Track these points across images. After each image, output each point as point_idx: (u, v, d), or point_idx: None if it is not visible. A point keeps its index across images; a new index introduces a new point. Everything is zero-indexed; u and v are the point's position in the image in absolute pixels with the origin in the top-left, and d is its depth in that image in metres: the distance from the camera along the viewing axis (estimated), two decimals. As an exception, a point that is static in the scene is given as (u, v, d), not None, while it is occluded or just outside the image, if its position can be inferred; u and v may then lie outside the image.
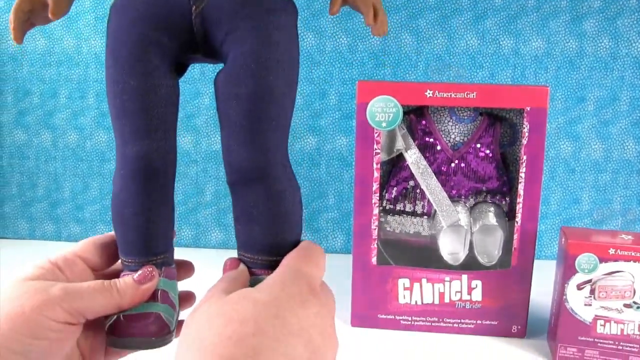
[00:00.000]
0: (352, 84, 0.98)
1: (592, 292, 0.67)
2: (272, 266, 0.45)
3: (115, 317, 0.45)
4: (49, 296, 0.42)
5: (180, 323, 0.53)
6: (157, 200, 0.47)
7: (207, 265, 0.94)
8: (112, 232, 0.50)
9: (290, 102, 0.47)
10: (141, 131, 0.45)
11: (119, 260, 0.50)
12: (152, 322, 0.46)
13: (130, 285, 0.45)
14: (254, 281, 0.45)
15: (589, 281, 0.66)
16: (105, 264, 0.50)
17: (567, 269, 0.67)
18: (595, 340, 0.67)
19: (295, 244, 0.47)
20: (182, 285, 0.52)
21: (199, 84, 0.99)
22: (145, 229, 0.47)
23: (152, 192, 0.46)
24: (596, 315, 0.67)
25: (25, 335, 0.40)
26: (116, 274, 0.51)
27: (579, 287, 0.67)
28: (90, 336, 0.47)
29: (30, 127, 1.05)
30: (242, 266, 0.47)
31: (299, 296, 0.39)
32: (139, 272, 0.46)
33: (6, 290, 0.43)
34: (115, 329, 0.45)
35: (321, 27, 0.97)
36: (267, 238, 0.46)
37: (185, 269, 0.53)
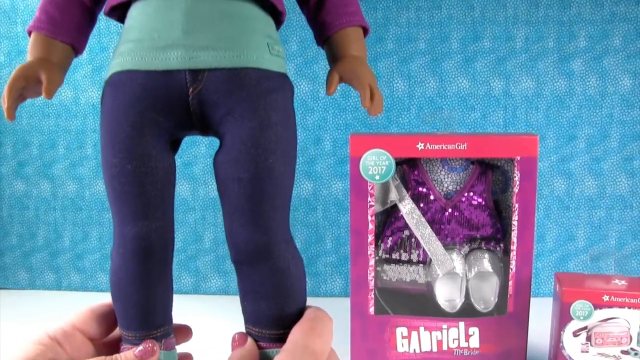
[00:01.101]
0: (346, 130, 0.99)
1: (589, 338, 0.67)
2: (280, 339, 0.46)
3: None
4: None
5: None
6: (156, 278, 0.48)
7: (207, 311, 0.96)
8: (110, 302, 0.51)
9: (290, 180, 0.48)
10: (139, 213, 0.46)
11: (118, 328, 0.51)
12: None
13: None
14: (262, 355, 0.46)
15: (585, 328, 0.67)
16: (104, 334, 0.51)
17: (562, 316, 0.68)
18: (593, 387, 0.68)
19: (301, 313, 0.48)
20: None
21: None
22: (145, 305, 0.47)
23: (151, 271, 0.47)
24: (593, 362, 0.68)
25: None
26: (115, 342, 0.51)
27: (575, 334, 0.68)
28: None
29: (30, 178, 1.06)
30: (249, 342, 0.48)
31: None
32: (140, 347, 0.47)
33: None
34: None
35: (315, 74, 0.99)
36: (273, 313, 0.47)
37: (184, 333, 0.54)
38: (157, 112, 0.46)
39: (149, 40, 0.46)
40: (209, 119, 0.47)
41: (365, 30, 0.55)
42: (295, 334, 0.45)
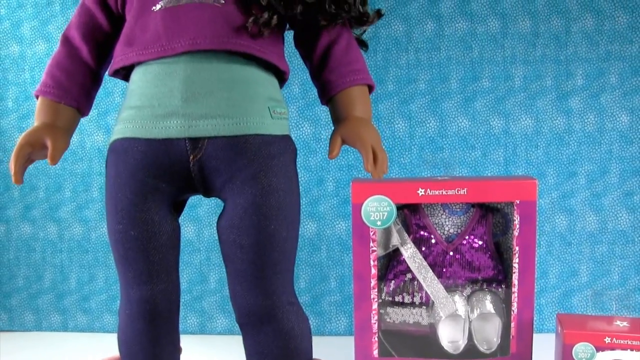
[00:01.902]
0: (349, 171, 1.00)
1: (592, 380, 0.68)
2: None
3: None
4: None
5: None
6: (162, 337, 0.48)
7: (213, 351, 0.96)
8: (118, 355, 0.51)
9: (293, 243, 0.48)
10: (144, 276, 0.47)
11: None
12: None
13: None
14: None
15: (588, 370, 0.67)
16: None
17: (565, 358, 0.68)
18: None
19: None
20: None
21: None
22: None
23: (157, 331, 0.48)
24: (597, 405, 0.68)
25: None
26: None
27: (578, 375, 0.68)
28: None
29: (37, 221, 1.07)
30: None
31: None
32: None
33: None
34: None
35: (316, 116, 1.00)
36: None
37: None
38: (159, 179, 0.47)
39: (149, 108, 0.46)
40: (211, 184, 0.48)
41: (371, 88, 0.55)
42: None
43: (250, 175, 0.46)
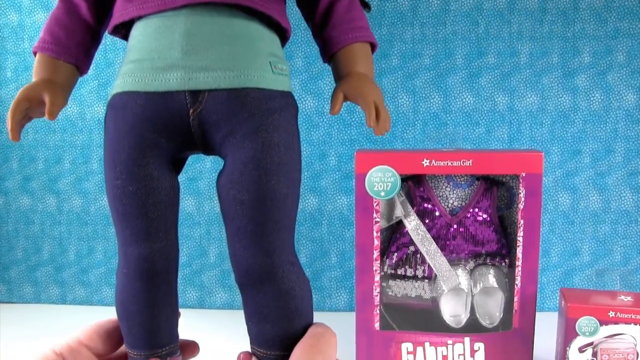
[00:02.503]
0: (351, 145, 1.00)
1: (595, 354, 0.67)
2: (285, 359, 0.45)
3: None
4: None
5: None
6: (160, 298, 0.48)
7: (212, 326, 0.95)
8: (116, 318, 0.51)
9: (293, 201, 0.47)
10: (142, 234, 0.46)
11: (124, 344, 0.51)
12: None
13: None
14: None
15: (591, 344, 0.67)
16: (111, 350, 0.51)
17: (568, 332, 0.67)
18: (600, 404, 0.67)
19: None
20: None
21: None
22: (150, 325, 0.48)
23: (155, 291, 0.47)
24: (599, 379, 0.67)
25: None
26: (121, 358, 0.51)
27: (581, 350, 0.67)
28: None
29: (35, 193, 1.07)
30: None
31: None
32: None
33: None
34: None
35: (319, 89, 0.99)
36: (278, 334, 0.47)
37: (190, 349, 0.54)
38: (158, 134, 0.46)
39: (149, 61, 0.45)
40: (211, 139, 0.47)
41: (373, 46, 0.55)
42: (296, 352, 0.45)
43: (250, 130, 0.45)
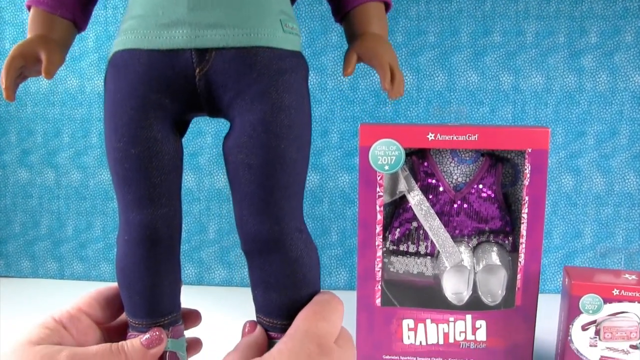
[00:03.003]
0: (354, 122, 0.98)
1: (597, 332, 0.67)
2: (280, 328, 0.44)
3: None
4: None
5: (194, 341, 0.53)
6: (162, 265, 0.46)
7: (210, 303, 0.95)
8: (116, 285, 0.50)
9: (303, 167, 0.45)
10: (144, 199, 0.44)
11: (125, 312, 0.50)
12: None
13: (138, 350, 0.45)
14: (272, 345, 0.45)
15: (594, 322, 0.66)
16: (111, 318, 0.50)
17: (571, 310, 0.67)
18: (602, 382, 0.67)
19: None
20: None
21: (201, 123, 1.00)
22: (151, 293, 0.46)
23: (157, 258, 0.46)
24: (602, 357, 0.67)
25: None
26: (123, 327, 0.50)
27: (584, 327, 0.67)
28: None
29: (34, 166, 1.05)
30: (258, 330, 0.46)
31: None
32: (147, 335, 0.46)
33: (10, 356, 0.42)
34: None
35: (322, 65, 0.98)
36: (285, 303, 0.45)
37: (192, 318, 0.53)
38: (161, 94, 0.44)
39: (153, 17, 0.43)
40: (218, 101, 0.45)
41: (387, 6, 0.53)
42: (299, 318, 0.44)
43: (259, 91, 0.43)
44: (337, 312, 0.44)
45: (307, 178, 0.99)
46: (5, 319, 0.90)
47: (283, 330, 0.45)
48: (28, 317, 0.90)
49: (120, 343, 0.45)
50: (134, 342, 0.45)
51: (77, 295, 0.99)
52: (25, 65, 0.46)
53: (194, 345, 0.54)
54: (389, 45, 0.49)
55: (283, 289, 0.45)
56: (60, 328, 0.46)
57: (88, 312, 0.48)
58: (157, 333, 0.46)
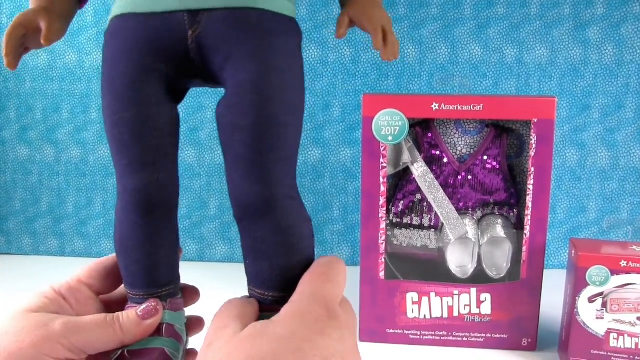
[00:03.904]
0: (356, 96, 0.97)
1: (604, 305, 0.66)
2: (283, 302, 0.41)
3: (119, 352, 0.44)
4: (48, 332, 0.41)
5: (190, 352, 0.52)
6: (158, 233, 0.45)
7: (212, 279, 0.94)
8: (114, 255, 0.49)
9: (295, 131, 0.44)
10: (139, 164, 0.44)
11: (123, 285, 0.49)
12: (156, 358, 0.44)
13: (133, 321, 0.44)
14: (263, 319, 0.43)
15: (601, 294, 0.66)
16: (110, 288, 0.49)
17: (577, 282, 0.66)
18: (609, 354, 0.66)
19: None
20: (190, 310, 0.51)
21: (202, 97, 0.99)
22: (147, 261, 0.45)
23: (152, 225, 0.45)
24: (609, 329, 0.66)
25: None
26: (122, 299, 0.50)
27: (591, 300, 0.66)
28: None
29: (33, 143, 1.04)
30: (248, 299, 0.45)
31: (317, 324, 0.37)
32: (143, 306, 0.45)
33: (6, 322, 0.42)
34: None
35: (324, 38, 0.96)
36: (276, 274, 0.44)
37: (191, 294, 0.52)
38: (156, 58, 0.43)
39: None
40: (210, 65, 0.44)
41: None
42: (304, 282, 0.42)
43: (250, 52, 0.42)
44: (342, 274, 0.43)
45: (309, 153, 0.98)
46: (6, 296, 0.89)
47: (275, 303, 0.44)
48: (29, 295, 0.89)
49: (115, 314, 0.45)
50: (130, 312, 0.45)
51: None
52: (26, 34, 0.46)
53: (196, 323, 0.53)
54: (382, 8, 0.48)
55: (274, 257, 0.44)
56: (59, 298, 0.45)
57: (88, 283, 0.48)
58: (153, 304, 0.45)
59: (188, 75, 0.45)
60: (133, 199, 0.44)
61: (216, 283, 0.92)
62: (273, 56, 0.43)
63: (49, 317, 0.42)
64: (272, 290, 0.44)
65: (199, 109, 0.99)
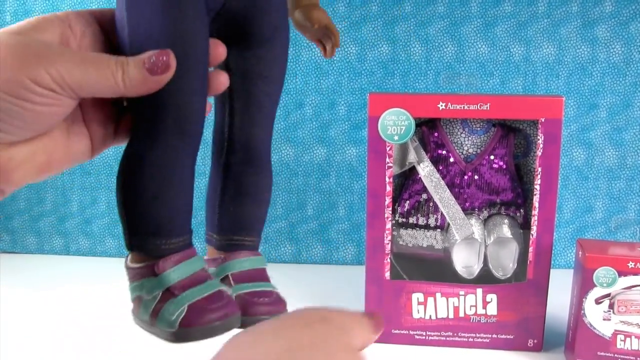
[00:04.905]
0: (362, 94, 0.97)
1: (611, 306, 0.65)
2: (254, 247, 0.46)
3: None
4: (32, 55, 0.35)
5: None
6: (191, 158, 0.43)
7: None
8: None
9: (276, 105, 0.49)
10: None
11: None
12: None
13: (140, 74, 0.37)
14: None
15: (608, 295, 0.65)
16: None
17: (584, 283, 0.65)
18: (616, 355, 0.66)
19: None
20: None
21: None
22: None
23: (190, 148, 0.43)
24: (616, 330, 0.66)
25: (7, 93, 0.34)
26: None
27: (598, 301, 0.66)
28: (99, 119, 0.42)
29: (38, 141, 1.04)
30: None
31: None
32: (153, 58, 0.38)
33: None
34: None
35: (329, 36, 0.96)
36: (256, 218, 0.47)
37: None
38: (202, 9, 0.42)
39: None
40: (238, 28, 0.44)
41: None
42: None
43: (274, 26, 0.45)
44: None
45: (314, 152, 0.98)
46: (11, 295, 0.89)
47: (249, 248, 0.46)
48: (34, 294, 0.89)
49: (120, 58, 0.37)
50: (138, 62, 0.37)
51: (83, 270, 0.99)
52: None
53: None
54: (321, 9, 0.56)
55: (257, 203, 0.46)
56: (63, 25, 0.39)
57: (101, 19, 0.41)
58: (165, 58, 0.38)
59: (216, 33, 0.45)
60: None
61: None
62: (286, 42, 0.47)
63: (37, 42, 0.36)
64: (251, 234, 0.47)
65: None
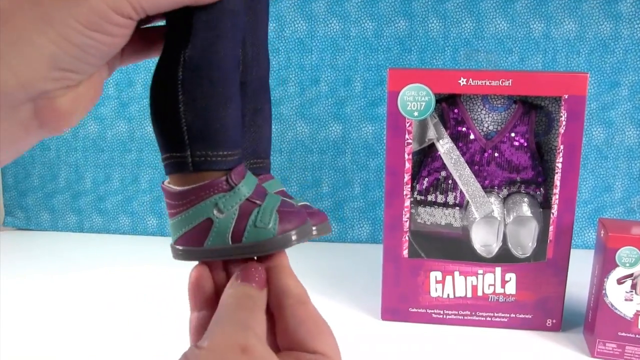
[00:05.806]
0: (378, 71, 0.95)
1: (634, 286, 0.64)
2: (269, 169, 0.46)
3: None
4: None
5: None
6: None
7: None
8: None
9: None
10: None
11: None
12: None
13: None
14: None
15: (630, 275, 0.64)
16: None
17: (606, 263, 0.64)
18: (637, 336, 0.65)
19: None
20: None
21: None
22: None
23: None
24: (638, 311, 0.64)
25: (87, 27, 0.32)
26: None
27: (620, 281, 0.64)
28: None
29: (51, 118, 1.04)
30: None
31: None
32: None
33: None
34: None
35: (346, 12, 0.94)
36: (269, 140, 0.47)
37: None
38: None
39: None
40: None
41: None
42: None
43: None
44: None
45: (330, 128, 0.96)
46: (25, 272, 0.89)
47: (267, 171, 0.47)
48: (48, 271, 0.89)
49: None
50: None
51: (96, 248, 0.98)
52: None
53: None
54: None
55: (270, 126, 0.47)
56: None
57: None
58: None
59: None
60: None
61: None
62: None
63: None
64: (267, 156, 0.47)
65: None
